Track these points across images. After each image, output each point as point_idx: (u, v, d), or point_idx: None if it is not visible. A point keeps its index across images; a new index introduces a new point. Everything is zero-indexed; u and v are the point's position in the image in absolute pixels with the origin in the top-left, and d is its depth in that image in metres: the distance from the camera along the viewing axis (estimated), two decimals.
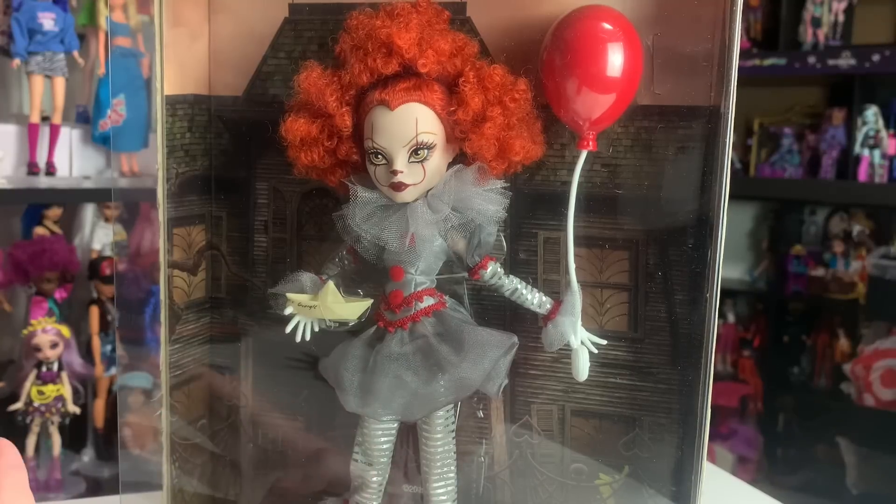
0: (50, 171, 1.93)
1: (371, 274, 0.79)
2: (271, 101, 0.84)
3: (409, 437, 0.84)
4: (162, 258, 0.86)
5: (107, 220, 2.15)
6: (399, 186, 0.71)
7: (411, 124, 0.70)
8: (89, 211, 2.18)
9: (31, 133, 1.90)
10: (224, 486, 0.94)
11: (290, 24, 0.83)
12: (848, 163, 2.63)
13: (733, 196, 0.72)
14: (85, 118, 2.06)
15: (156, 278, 0.87)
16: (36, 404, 1.76)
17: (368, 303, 0.77)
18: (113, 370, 1.99)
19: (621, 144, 0.76)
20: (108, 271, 1.98)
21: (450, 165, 0.74)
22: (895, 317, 2.61)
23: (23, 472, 0.59)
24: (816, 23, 2.65)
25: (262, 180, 0.88)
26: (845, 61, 2.55)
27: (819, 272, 2.81)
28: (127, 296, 1.70)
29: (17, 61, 1.86)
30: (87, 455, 1.99)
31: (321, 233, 0.86)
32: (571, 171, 0.74)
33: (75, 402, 1.81)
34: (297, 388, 0.89)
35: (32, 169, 1.90)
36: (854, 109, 2.63)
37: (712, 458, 2.27)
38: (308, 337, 0.78)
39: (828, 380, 2.79)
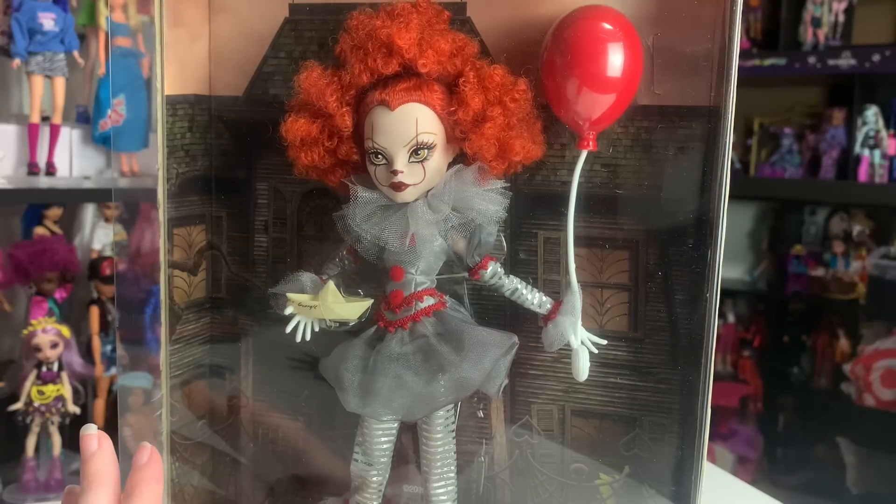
0: (50, 171, 1.93)
1: (371, 274, 0.79)
2: (271, 102, 0.84)
3: (410, 437, 0.84)
4: (162, 258, 0.86)
5: (107, 220, 2.15)
6: (399, 186, 0.71)
7: (411, 124, 0.70)
8: (89, 211, 2.18)
9: (31, 133, 1.89)
10: (224, 486, 0.94)
11: (291, 24, 0.83)
12: (848, 163, 2.63)
13: (733, 196, 0.72)
14: (85, 118, 2.06)
15: (156, 278, 0.87)
16: (36, 404, 1.76)
17: (368, 303, 0.77)
18: (113, 370, 1.98)
19: (621, 144, 0.76)
20: (108, 271, 1.98)
21: (450, 165, 0.74)
22: (895, 317, 2.61)
23: (160, 487, 0.62)
24: (816, 23, 2.66)
25: (263, 180, 0.88)
26: (845, 61, 2.55)
27: (819, 272, 2.81)
28: (127, 296, 1.70)
29: (17, 61, 1.86)
30: None
31: (321, 233, 0.86)
32: (571, 171, 0.74)
33: (75, 402, 1.81)
34: (297, 388, 0.89)
35: (32, 169, 1.90)
36: (854, 109, 2.63)
37: (712, 458, 2.27)
38: (308, 337, 0.78)
39: (828, 380, 2.79)
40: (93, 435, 0.63)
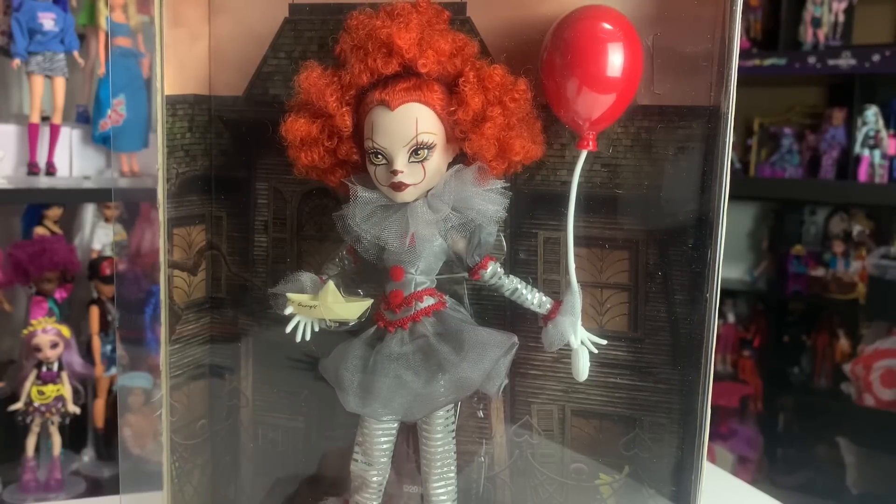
0: (50, 171, 1.93)
1: (371, 274, 0.79)
2: (271, 101, 0.84)
3: (410, 437, 0.84)
4: (162, 258, 0.86)
5: (107, 220, 2.15)
6: (399, 186, 0.71)
7: (411, 124, 0.70)
8: (89, 211, 2.18)
9: (31, 133, 1.90)
10: (224, 487, 0.94)
11: (290, 24, 0.83)
12: (848, 163, 2.63)
13: (733, 196, 0.72)
14: (85, 118, 2.06)
15: (156, 278, 0.87)
16: (36, 404, 1.76)
17: (368, 303, 0.77)
18: (113, 370, 1.99)
19: (621, 144, 0.76)
20: (108, 271, 1.98)
21: (450, 165, 0.74)
22: (895, 317, 2.61)
23: None
24: (816, 23, 2.66)
25: (262, 180, 0.88)
26: (845, 61, 2.55)
27: (819, 272, 2.81)
28: (127, 296, 1.70)
29: (17, 61, 1.86)
30: (87, 455, 1.99)
31: (321, 233, 0.86)
32: (571, 171, 0.74)
33: (75, 402, 1.81)
34: (297, 388, 0.89)
35: (32, 169, 1.90)
36: (854, 109, 2.63)
37: (712, 458, 2.27)
38: (308, 337, 0.78)
39: (828, 380, 2.79)
40: None
